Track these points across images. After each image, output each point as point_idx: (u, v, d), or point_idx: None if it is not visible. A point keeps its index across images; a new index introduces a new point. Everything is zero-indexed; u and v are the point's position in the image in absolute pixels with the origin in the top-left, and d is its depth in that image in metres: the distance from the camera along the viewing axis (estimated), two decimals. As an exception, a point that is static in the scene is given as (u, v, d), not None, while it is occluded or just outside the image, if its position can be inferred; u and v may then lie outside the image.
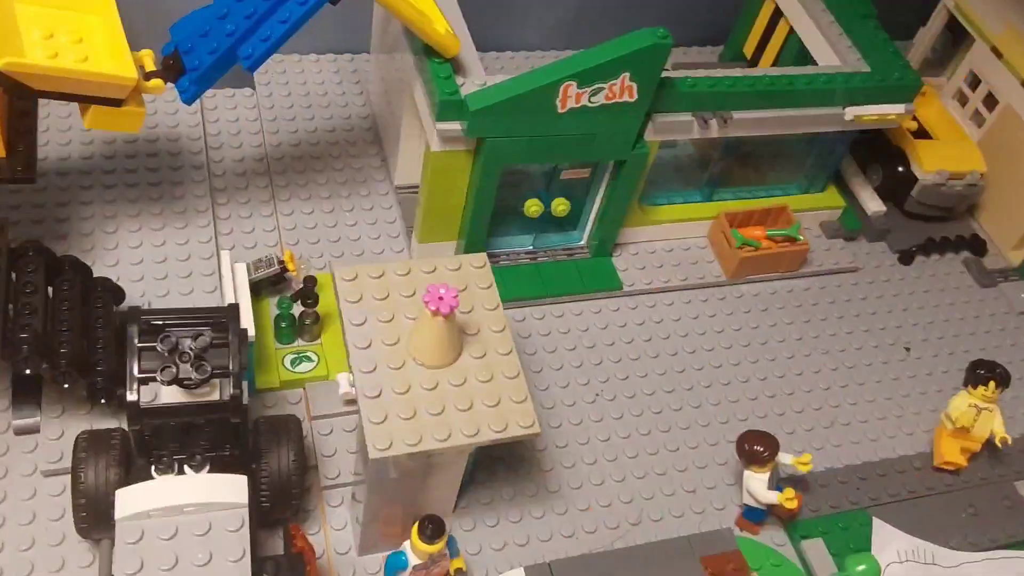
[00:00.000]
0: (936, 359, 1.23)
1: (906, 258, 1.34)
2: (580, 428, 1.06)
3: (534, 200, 1.13)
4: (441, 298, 0.79)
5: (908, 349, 1.23)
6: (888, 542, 0.98)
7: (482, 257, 0.92)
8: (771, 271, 1.25)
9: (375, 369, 0.82)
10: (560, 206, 1.14)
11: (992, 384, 1.04)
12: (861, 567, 0.90)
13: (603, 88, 1.00)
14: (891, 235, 1.36)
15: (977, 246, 1.37)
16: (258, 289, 1.05)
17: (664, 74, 1.03)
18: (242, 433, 0.83)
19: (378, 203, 1.22)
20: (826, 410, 1.14)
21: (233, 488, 0.79)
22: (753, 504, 0.98)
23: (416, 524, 0.83)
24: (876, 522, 1.00)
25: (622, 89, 1.00)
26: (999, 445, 1.06)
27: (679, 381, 1.13)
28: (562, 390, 1.09)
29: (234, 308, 0.81)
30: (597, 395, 1.09)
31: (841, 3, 1.25)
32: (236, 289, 0.96)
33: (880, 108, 1.17)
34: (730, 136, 1.14)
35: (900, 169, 1.35)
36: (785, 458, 0.98)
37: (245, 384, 0.82)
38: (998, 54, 1.35)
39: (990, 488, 1.09)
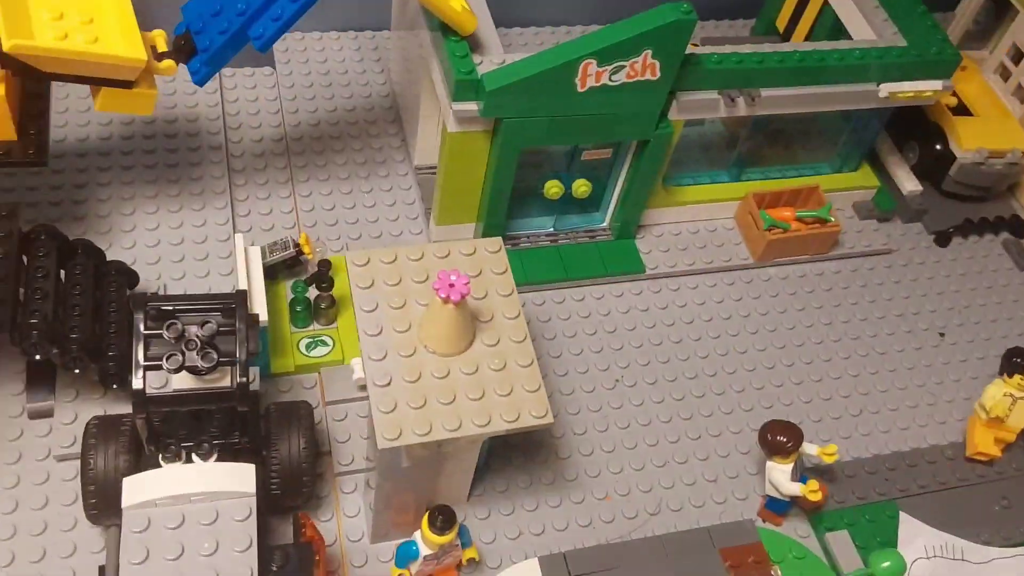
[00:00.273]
0: (972, 344, 1.19)
1: (943, 240, 1.29)
2: (599, 415, 1.04)
3: (554, 181, 1.10)
4: (452, 285, 0.77)
5: (943, 335, 1.19)
6: (915, 537, 0.95)
7: (497, 241, 0.90)
8: (800, 254, 1.22)
9: (385, 356, 0.80)
10: (581, 187, 1.11)
11: (1029, 373, 1.00)
12: (886, 563, 0.87)
13: (624, 66, 0.96)
14: (927, 216, 1.31)
15: (1018, 227, 1.32)
16: (274, 272, 1.04)
17: (688, 50, 1.00)
18: (252, 420, 0.82)
19: (397, 184, 1.20)
20: (855, 398, 1.10)
21: (240, 477, 0.78)
22: (776, 495, 0.95)
23: (427, 514, 0.82)
24: (903, 516, 0.97)
25: (644, 67, 0.97)
26: (1035, 436, 1.03)
27: (702, 367, 1.10)
28: (581, 376, 1.07)
29: (242, 294, 0.80)
30: (617, 381, 1.07)
31: (877, -27, 1.20)
32: (249, 272, 0.95)
33: (916, 84, 1.12)
34: (758, 114, 1.11)
35: (938, 147, 1.30)
36: (810, 449, 0.95)
37: (256, 371, 0.81)
38: (1042, 26, 1.30)
39: (1026, 480, 1.05)
